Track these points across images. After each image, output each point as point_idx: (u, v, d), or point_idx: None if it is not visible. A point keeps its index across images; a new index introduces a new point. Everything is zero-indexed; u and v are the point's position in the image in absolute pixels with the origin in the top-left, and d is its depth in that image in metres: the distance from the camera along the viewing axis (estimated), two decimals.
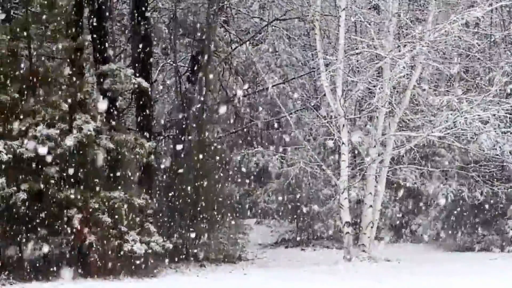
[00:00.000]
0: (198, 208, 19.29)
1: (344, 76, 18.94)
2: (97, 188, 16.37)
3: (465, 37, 19.02)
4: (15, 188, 15.53)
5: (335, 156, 22.35)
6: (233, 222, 20.18)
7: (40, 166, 15.91)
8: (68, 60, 16.96)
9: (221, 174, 20.36)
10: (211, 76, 21.97)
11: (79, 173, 16.27)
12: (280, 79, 25.43)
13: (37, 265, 15.89)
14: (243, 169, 23.91)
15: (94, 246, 15.95)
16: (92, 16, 18.91)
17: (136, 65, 19.95)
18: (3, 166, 15.51)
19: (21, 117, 16.09)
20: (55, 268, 15.82)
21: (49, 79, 16.64)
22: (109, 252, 16.10)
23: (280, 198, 24.55)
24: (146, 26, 20.29)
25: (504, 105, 18.84)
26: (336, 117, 19.27)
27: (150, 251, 16.40)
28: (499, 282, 15.10)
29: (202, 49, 21.95)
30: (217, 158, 20.44)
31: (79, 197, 15.98)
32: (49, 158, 15.85)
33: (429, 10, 19.81)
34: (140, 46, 20.06)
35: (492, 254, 20.99)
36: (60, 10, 16.77)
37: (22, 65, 16.58)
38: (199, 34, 22.33)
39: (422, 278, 15.85)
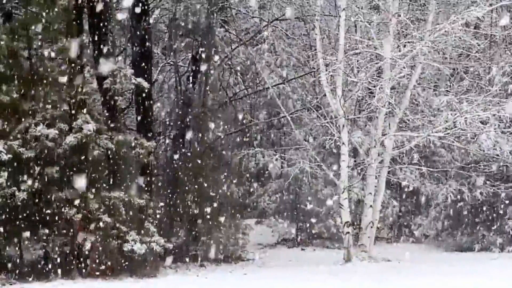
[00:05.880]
0: (198, 208, 19.29)
1: (344, 76, 18.93)
2: (97, 188, 16.37)
3: (465, 37, 19.02)
4: (15, 188, 15.54)
5: (335, 156, 22.34)
6: (233, 222, 20.18)
7: (40, 166, 15.91)
8: (68, 60, 16.96)
9: (221, 174, 20.35)
10: (211, 76, 21.96)
11: (79, 173, 16.26)
12: (280, 79, 25.42)
13: (37, 265, 15.88)
14: (243, 169, 23.91)
15: (94, 246, 15.95)
16: (92, 16, 18.90)
17: (136, 65, 19.94)
18: (3, 166, 15.51)
19: (21, 117, 16.10)
20: (55, 268, 15.81)
21: (49, 79, 16.63)
22: (109, 252, 16.10)
23: (280, 198, 24.55)
24: (146, 26, 20.29)
25: (504, 105, 18.84)
26: (336, 117, 19.26)
27: (150, 251, 16.40)
28: (499, 282, 15.09)
29: (202, 49, 21.94)
30: (217, 158, 20.43)
31: (79, 197, 15.99)
32: (49, 158, 15.87)
33: (429, 10, 19.81)
34: (140, 46, 20.05)
35: (492, 254, 20.98)
36: (60, 10, 16.76)
37: (22, 65, 16.57)
38: (199, 34, 22.32)
39: (422, 278, 15.84)
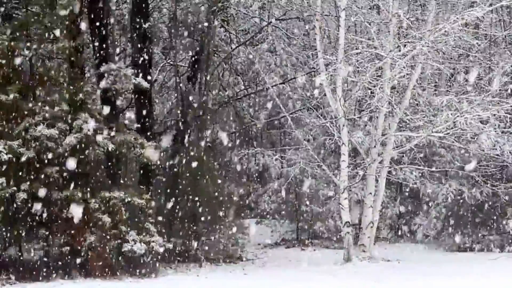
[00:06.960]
0: (198, 208, 19.28)
1: (344, 76, 18.93)
2: (97, 188, 16.36)
3: (465, 37, 19.02)
4: (15, 188, 15.53)
5: (335, 156, 22.33)
6: (233, 222, 20.17)
7: (40, 166, 15.91)
8: (68, 60, 16.96)
9: (221, 174, 20.35)
10: (211, 76, 21.97)
11: (79, 173, 16.27)
12: (280, 79, 25.42)
13: (37, 265, 15.88)
14: (243, 169, 23.90)
15: (94, 246, 15.95)
16: (92, 16, 18.90)
17: (136, 65, 19.95)
18: (3, 166, 15.52)
19: (21, 117, 16.10)
20: (55, 268, 15.81)
21: (49, 79, 16.64)
22: (109, 252, 16.10)
23: (280, 198, 24.54)
24: (146, 26, 20.29)
25: (504, 105, 18.84)
26: (336, 117, 19.27)
27: (150, 251, 16.39)
28: (499, 282, 15.10)
29: (202, 49, 21.96)
30: (217, 158, 20.42)
31: (79, 197, 15.98)
32: (49, 158, 15.87)
33: (429, 10, 19.80)
34: (140, 46, 20.06)
35: (492, 254, 20.97)
36: (60, 10, 16.76)
37: (22, 65, 16.57)
38: (199, 34, 22.32)
39: (422, 278, 15.86)
